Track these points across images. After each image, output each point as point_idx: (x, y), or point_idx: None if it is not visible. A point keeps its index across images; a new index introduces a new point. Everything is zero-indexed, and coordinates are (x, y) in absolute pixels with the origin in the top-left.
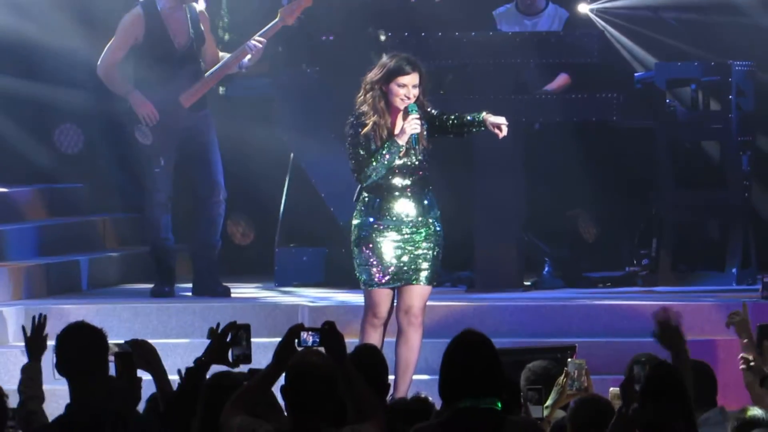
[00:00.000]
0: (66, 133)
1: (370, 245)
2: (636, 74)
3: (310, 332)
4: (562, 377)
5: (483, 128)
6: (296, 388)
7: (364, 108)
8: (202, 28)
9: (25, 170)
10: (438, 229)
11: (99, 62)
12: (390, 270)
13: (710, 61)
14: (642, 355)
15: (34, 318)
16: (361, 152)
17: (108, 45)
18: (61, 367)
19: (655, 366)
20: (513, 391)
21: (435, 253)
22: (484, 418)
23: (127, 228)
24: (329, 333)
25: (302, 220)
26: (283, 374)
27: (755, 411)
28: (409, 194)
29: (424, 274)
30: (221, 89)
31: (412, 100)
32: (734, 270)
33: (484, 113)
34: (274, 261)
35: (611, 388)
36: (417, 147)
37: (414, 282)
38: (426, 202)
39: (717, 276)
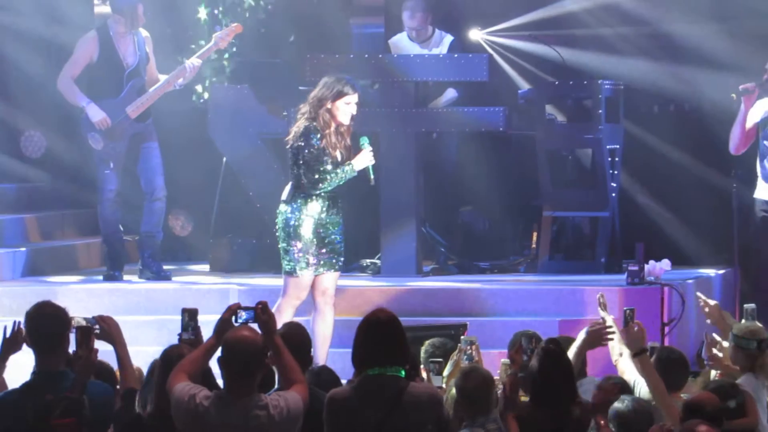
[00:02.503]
0: (30, 139)
1: (298, 240)
2: (519, 91)
3: (245, 310)
4: (456, 352)
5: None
6: (230, 358)
7: (310, 123)
8: (147, 50)
9: None
10: (342, 222)
11: (59, 78)
12: (314, 260)
13: (583, 79)
14: (528, 331)
15: (14, 323)
16: (322, 167)
17: (67, 63)
18: (29, 340)
19: (546, 344)
20: (413, 363)
21: (342, 245)
22: (389, 383)
23: (82, 221)
24: (262, 311)
25: (233, 215)
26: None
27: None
28: (327, 198)
29: (337, 263)
30: None
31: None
32: (603, 259)
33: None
34: (209, 250)
35: (502, 359)
36: (371, 177)
37: (330, 269)
38: (339, 204)
39: (588, 264)
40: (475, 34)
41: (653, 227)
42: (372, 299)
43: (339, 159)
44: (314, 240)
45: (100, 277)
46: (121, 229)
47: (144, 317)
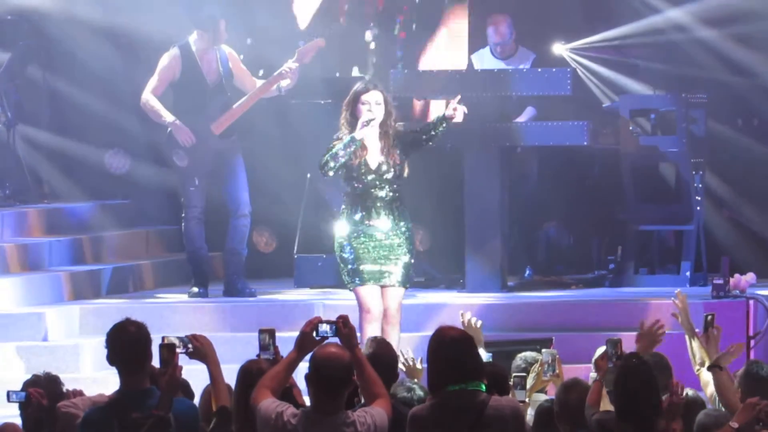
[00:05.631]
0: (115, 157)
1: (351, 250)
2: (603, 104)
3: (326, 324)
4: (537, 365)
5: (445, 124)
6: (318, 376)
7: (341, 130)
8: (231, 65)
9: (81, 188)
10: (408, 236)
11: (142, 96)
12: (369, 270)
13: (667, 93)
14: (613, 339)
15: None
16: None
17: (149, 81)
18: (111, 358)
19: (628, 357)
20: (501, 377)
21: (407, 259)
22: (471, 398)
23: (167, 238)
24: (343, 324)
25: (317, 231)
26: (308, 363)
27: (688, 391)
28: (381, 207)
29: (396, 277)
30: None
31: (378, 116)
32: (688, 273)
33: (443, 111)
34: (294, 266)
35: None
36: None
37: (388, 284)
38: (397, 213)
39: (673, 278)
40: (558, 49)
41: (738, 241)
42: (457, 315)
43: (369, 165)
44: (368, 250)
45: (185, 295)
46: (206, 246)
47: (229, 334)
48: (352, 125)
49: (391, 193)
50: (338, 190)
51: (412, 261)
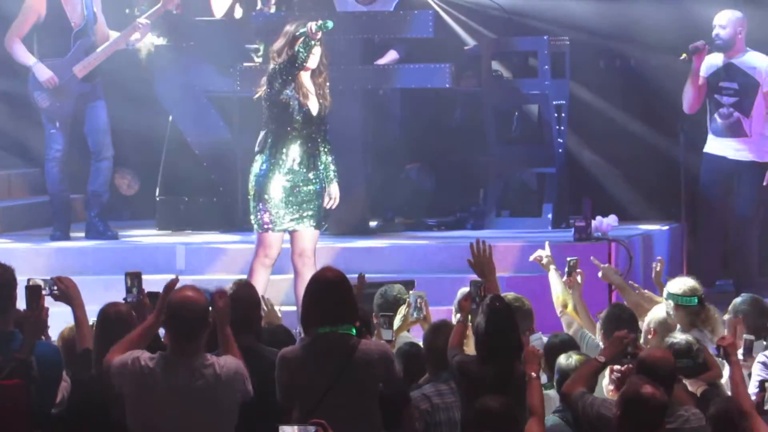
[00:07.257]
0: None
1: (265, 193)
2: (465, 47)
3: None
4: (404, 306)
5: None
6: (175, 320)
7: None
8: (95, 10)
9: None
10: (321, 180)
11: (5, 37)
12: (282, 215)
13: (529, 36)
14: (477, 280)
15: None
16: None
17: (14, 22)
18: None
19: (492, 301)
20: (364, 320)
21: (320, 202)
22: (340, 341)
23: (29, 180)
24: (218, 298)
25: (180, 174)
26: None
27: (563, 335)
28: (304, 152)
29: (312, 220)
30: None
31: (317, 56)
32: (550, 215)
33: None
34: (156, 209)
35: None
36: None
37: (301, 226)
38: (316, 158)
39: (535, 221)
40: None
41: (600, 183)
42: (319, 258)
43: (310, 112)
44: (282, 194)
45: (47, 237)
46: (67, 188)
47: (92, 277)
48: (291, 65)
49: (313, 139)
50: (203, 134)
51: (323, 206)
